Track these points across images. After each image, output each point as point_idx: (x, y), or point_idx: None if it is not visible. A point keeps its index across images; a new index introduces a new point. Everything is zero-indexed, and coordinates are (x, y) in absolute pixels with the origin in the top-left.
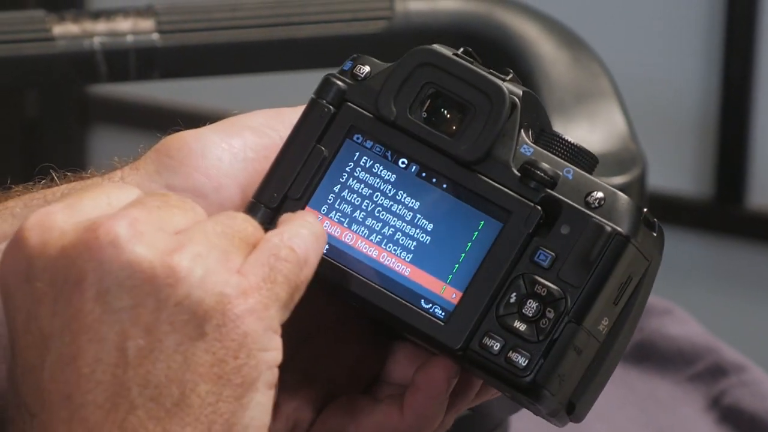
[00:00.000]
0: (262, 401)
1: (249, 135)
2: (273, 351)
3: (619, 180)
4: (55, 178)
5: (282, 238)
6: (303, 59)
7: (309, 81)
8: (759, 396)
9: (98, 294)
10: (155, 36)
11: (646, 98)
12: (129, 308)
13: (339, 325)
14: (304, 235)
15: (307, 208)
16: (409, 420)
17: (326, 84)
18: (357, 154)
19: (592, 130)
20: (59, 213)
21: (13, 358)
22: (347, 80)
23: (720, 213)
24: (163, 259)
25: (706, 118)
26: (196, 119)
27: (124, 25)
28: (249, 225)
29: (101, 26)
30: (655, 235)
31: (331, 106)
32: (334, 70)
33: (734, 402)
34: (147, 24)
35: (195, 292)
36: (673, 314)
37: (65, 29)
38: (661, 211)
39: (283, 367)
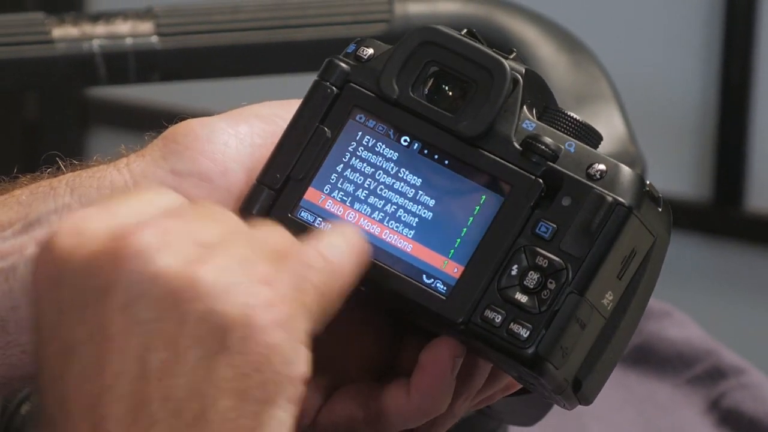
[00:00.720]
0: (283, 418)
1: (256, 122)
2: (298, 364)
3: None
4: (62, 166)
5: (315, 247)
6: (303, 62)
7: (308, 84)
8: (758, 399)
9: (123, 305)
10: (154, 38)
11: (645, 101)
12: (153, 320)
13: (350, 316)
14: (338, 244)
15: (310, 188)
16: (416, 401)
17: (330, 66)
18: (360, 133)
19: None
20: (93, 217)
21: (39, 366)
22: (350, 62)
23: (719, 215)
24: (187, 271)
25: (705, 121)
26: (210, 117)
27: (123, 27)
28: (282, 236)
29: (100, 29)
30: (660, 210)
31: (334, 87)
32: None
33: (733, 405)
34: (146, 26)
35: (218, 305)
36: (672, 317)
37: (64, 32)
38: None
39: None
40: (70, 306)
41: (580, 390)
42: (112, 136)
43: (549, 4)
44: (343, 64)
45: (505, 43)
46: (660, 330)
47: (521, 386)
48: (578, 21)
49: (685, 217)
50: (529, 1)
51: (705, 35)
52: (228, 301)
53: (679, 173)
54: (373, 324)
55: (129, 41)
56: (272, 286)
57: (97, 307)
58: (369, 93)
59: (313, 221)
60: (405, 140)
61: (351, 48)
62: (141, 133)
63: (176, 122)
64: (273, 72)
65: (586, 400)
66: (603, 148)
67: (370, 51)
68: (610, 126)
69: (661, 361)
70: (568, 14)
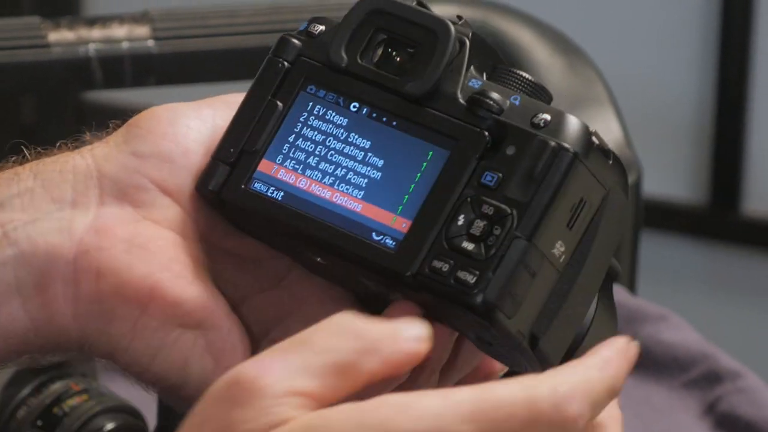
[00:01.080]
0: None
1: (221, 106)
2: None
3: None
4: (27, 154)
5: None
6: None
7: None
8: (754, 403)
9: None
10: (151, 42)
11: (641, 104)
12: None
13: (319, 305)
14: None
15: (263, 159)
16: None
17: (282, 42)
18: (311, 104)
19: None
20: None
21: None
22: (302, 38)
23: (715, 219)
24: None
25: (702, 124)
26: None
27: (119, 31)
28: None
29: (97, 33)
30: (610, 163)
31: (285, 62)
32: None
33: (730, 409)
34: (142, 30)
35: None
36: (669, 320)
37: (61, 36)
38: (657, 218)
39: (260, 338)
40: None
41: (537, 346)
42: None
43: (544, 7)
44: (295, 40)
45: (500, 46)
46: (656, 333)
47: (501, 375)
48: (573, 24)
49: (682, 220)
50: (524, 4)
51: (701, 38)
52: None
53: (675, 177)
54: (341, 309)
55: (125, 45)
56: None
57: None
58: (319, 64)
59: (266, 191)
60: (354, 106)
61: (303, 26)
62: None
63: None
64: None
65: (546, 359)
66: None
67: (322, 27)
68: (606, 129)
69: (657, 364)
70: (564, 17)
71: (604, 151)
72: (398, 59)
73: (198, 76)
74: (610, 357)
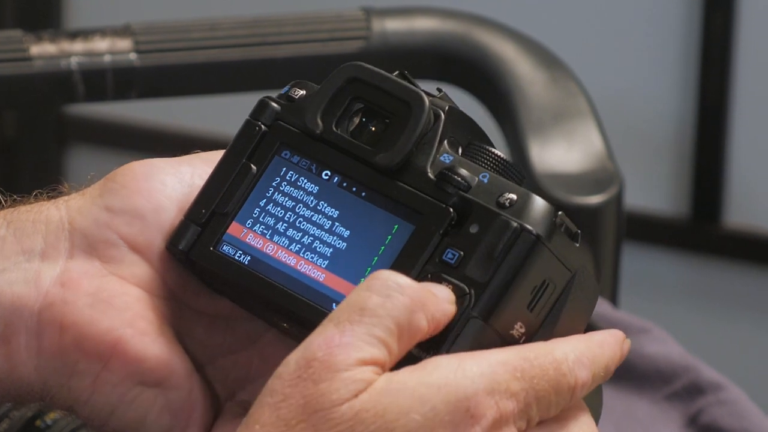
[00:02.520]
0: None
1: (200, 164)
2: None
3: (596, 199)
4: (1, 200)
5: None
6: (280, 79)
7: None
8: (736, 415)
9: None
10: (133, 56)
11: (623, 118)
12: None
13: (277, 352)
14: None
15: (234, 222)
16: None
17: (260, 105)
18: (284, 169)
19: (570, 149)
20: None
21: None
22: (282, 101)
23: (696, 232)
24: None
25: (683, 138)
26: (173, 139)
27: (101, 44)
28: None
29: (78, 46)
30: (577, 245)
31: (263, 126)
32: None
33: (711, 421)
34: (124, 44)
35: None
36: (651, 333)
37: (42, 49)
38: (638, 230)
39: (227, 399)
40: None
41: None
42: (90, 154)
43: (527, 21)
44: (273, 104)
45: (483, 60)
46: (638, 346)
47: None
48: (556, 38)
49: (663, 233)
50: (507, 18)
51: (682, 52)
52: None
53: (656, 189)
54: None
55: (107, 58)
56: None
57: None
58: (295, 130)
59: (234, 254)
60: (326, 174)
61: (285, 89)
62: (119, 151)
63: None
64: (251, 89)
65: None
66: (581, 164)
67: (302, 92)
68: (587, 142)
69: (639, 377)
70: (546, 31)
71: (570, 234)
72: (373, 129)
73: (180, 89)
74: (607, 340)
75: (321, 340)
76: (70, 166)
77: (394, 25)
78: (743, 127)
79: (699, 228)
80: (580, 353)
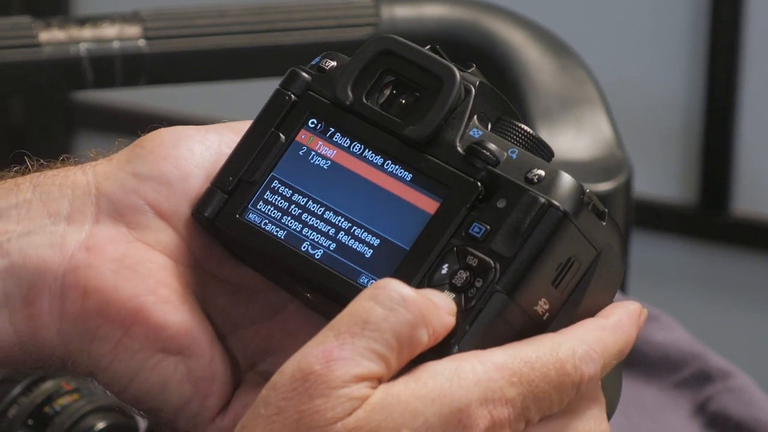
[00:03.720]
0: None
1: (227, 132)
2: None
3: (605, 186)
4: (29, 165)
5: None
6: (288, 66)
7: None
8: (745, 402)
9: None
10: (141, 42)
11: (631, 105)
12: None
13: (302, 326)
14: None
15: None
16: None
17: (291, 75)
18: (312, 138)
19: (578, 136)
20: None
21: None
22: (312, 72)
23: (705, 219)
24: None
25: (691, 125)
26: (179, 124)
27: (110, 31)
28: None
29: (87, 32)
30: (604, 224)
31: (293, 95)
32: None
33: (720, 408)
34: (133, 30)
35: None
36: (660, 321)
37: (51, 35)
38: (647, 218)
39: (247, 369)
40: None
41: None
42: (99, 140)
43: (535, 8)
44: (304, 74)
45: (491, 47)
46: (647, 334)
47: None
48: (565, 25)
49: (672, 221)
50: (516, 5)
51: (691, 39)
52: None
53: (665, 177)
54: None
55: (116, 45)
56: None
57: None
58: (324, 100)
59: (260, 222)
60: (354, 145)
61: (315, 60)
62: (127, 138)
63: (150, 131)
64: (259, 76)
65: None
66: (590, 151)
67: (333, 63)
68: (596, 130)
69: (647, 364)
70: (555, 18)
71: (597, 212)
72: (403, 102)
73: (188, 76)
74: (622, 320)
75: (319, 351)
76: (78, 152)
77: (402, 12)
78: (752, 115)
79: (707, 215)
80: (589, 346)
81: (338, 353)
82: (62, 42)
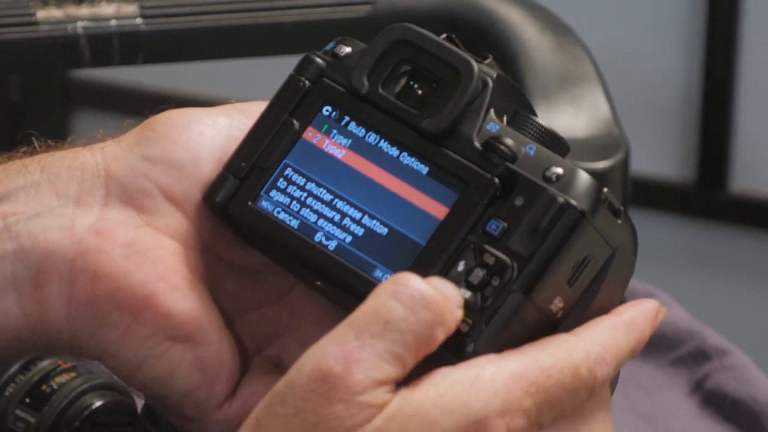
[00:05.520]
0: None
1: (237, 115)
2: None
3: (602, 164)
4: (36, 146)
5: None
6: (287, 44)
7: (292, 66)
8: (742, 380)
9: None
10: (139, 20)
11: (629, 83)
12: None
13: (317, 324)
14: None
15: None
16: None
17: (305, 61)
18: (326, 126)
19: (576, 114)
20: None
21: None
22: (327, 58)
23: (702, 197)
24: None
25: (689, 103)
26: (179, 104)
27: (107, 9)
28: None
29: (85, 11)
30: (619, 222)
31: (307, 81)
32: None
33: (717, 386)
34: (131, 9)
35: None
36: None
37: (49, 14)
38: (644, 196)
39: (254, 354)
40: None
41: None
42: (96, 119)
43: None
44: (318, 60)
45: (489, 24)
46: None
47: None
48: (562, 3)
49: (669, 199)
50: None
51: (688, 17)
52: None
53: (662, 155)
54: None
55: (113, 23)
56: None
57: None
58: (339, 88)
59: (272, 210)
60: (369, 135)
61: (330, 46)
62: (124, 116)
63: (158, 112)
64: (257, 54)
65: None
66: (587, 129)
67: (348, 49)
68: (594, 108)
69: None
70: None
71: (614, 210)
72: (420, 92)
73: (186, 54)
74: (638, 319)
75: (339, 351)
76: (76, 130)
77: None
78: (749, 93)
79: (705, 194)
80: (603, 347)
81: (358, 355)
82: (59, 20)
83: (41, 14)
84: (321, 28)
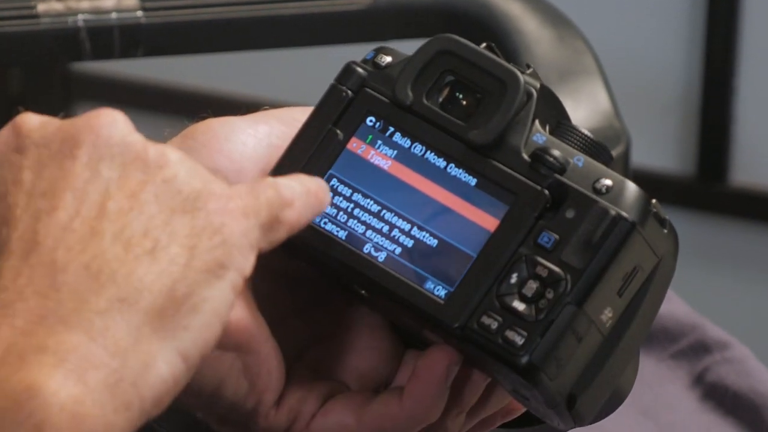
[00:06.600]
0: (224, 290)
1: (276, 123)
2: (246, 259)
3: None
4: None
5: (271, 180)
6: (287, 36)
7: (291, 58)
8: (742, 373)
9: (90, 161)
10: (139, 13)
11: (629, 76)
12: (117, 177)
13: (356, 330)
14: (294, 186)
15: None
16: (408, 408)
17: (347, 70)
18: (371, 137)
19: (576, 107)
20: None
21: None
22: (368, 68)
23: (702, 190)
24: (156, 146)
25: (689, 96)
26: (180, 97)
27: (108, 2)
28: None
29: (85, 4)
30: (665, 231)
31: (349, 91)
32: (318, 48)
33: (718, 379)
34: (131, 1)
35: (183, 174)
36: None
37: (49, 7)
38: (644, 189)
39: (293, 360)
40: (31, 166)
41: (575, 407)
42: None
43: None
44: (360, 70)
45: (489, 17)
46: None
47: (521, 414)
48: None
49: (669, 192)
50: None
51: (689, 11)
52: (192, 175)
53: (663, 148)
54: (377, 337)
55: (114, 16)
56: (232, 187)
57: (63, 162)
58: (383, 98)
59: (319, 221)
60: (415, 146)
61: (370, 55)
62: (125, 109)
63: (197, 120)
64: (257, 47)
65: (581, 419)
66: (588, 122)
67: (389, 59)
68: (594, 100)
69: None
70: None
71: (660, 220)
72: (464, 103)
73: (186, 47)
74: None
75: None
76: None
77: None
78: (749, 85)
79: (705, 186)
80: None
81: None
82: (60, 13)
83: (42, 7)
84: (321, 20)
